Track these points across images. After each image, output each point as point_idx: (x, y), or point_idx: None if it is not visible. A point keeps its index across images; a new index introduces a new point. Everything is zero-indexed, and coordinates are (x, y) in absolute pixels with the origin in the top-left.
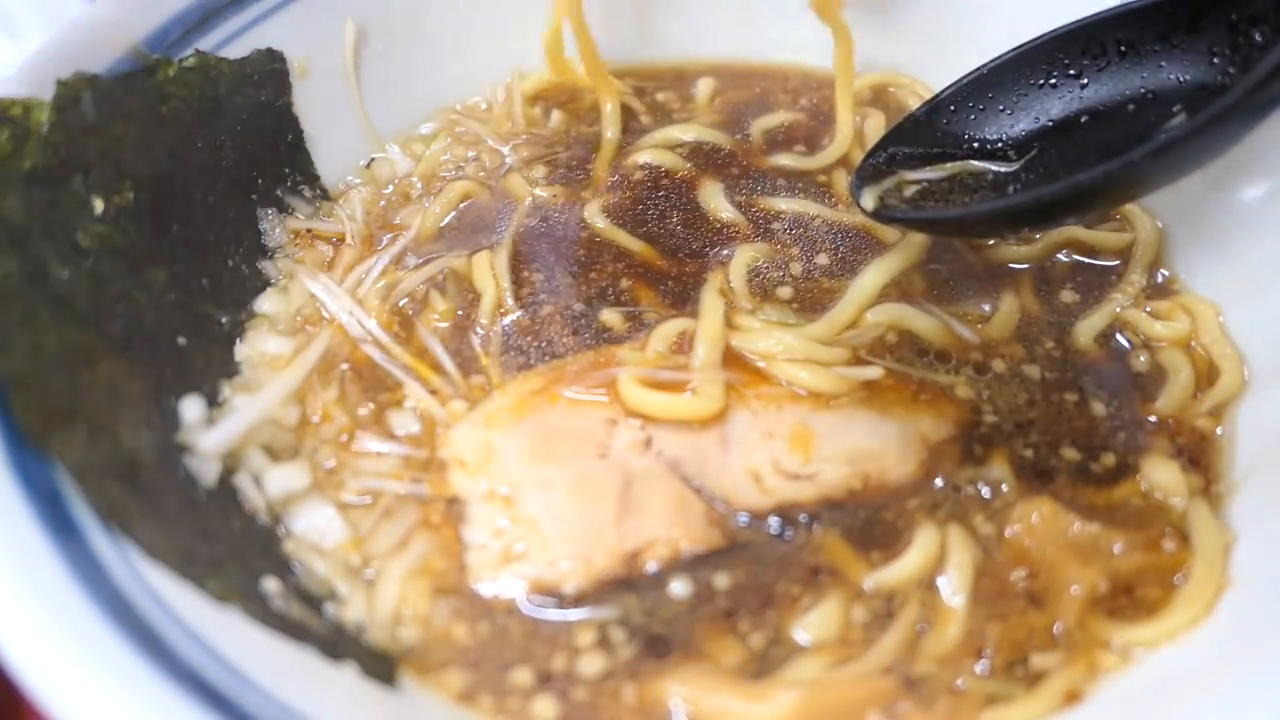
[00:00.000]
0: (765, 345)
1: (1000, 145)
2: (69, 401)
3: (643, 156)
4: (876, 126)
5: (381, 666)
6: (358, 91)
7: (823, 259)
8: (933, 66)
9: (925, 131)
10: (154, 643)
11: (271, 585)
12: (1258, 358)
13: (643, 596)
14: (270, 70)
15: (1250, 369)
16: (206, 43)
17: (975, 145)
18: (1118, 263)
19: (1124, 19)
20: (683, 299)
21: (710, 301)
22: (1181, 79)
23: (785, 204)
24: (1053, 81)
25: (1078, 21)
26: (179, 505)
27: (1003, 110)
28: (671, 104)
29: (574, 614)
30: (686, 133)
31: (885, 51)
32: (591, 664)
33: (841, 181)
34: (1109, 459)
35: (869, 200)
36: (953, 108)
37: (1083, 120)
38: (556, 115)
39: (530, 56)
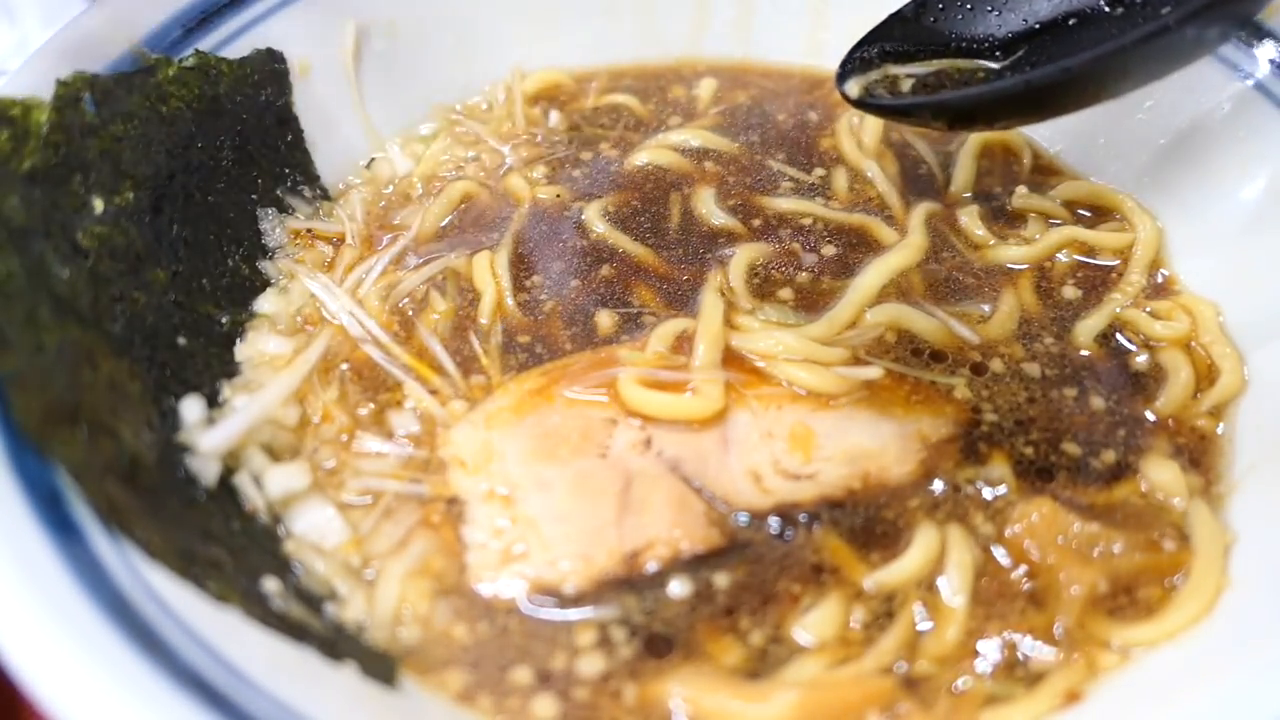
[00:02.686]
0: (765, 345)
1: (987, 45)
2: (69, 401)
3: (643, 157)
4: (874, 125)
5: (381, 666)
6: (358, 91)
7: (822, 259)
8: None
9: (913, 29)
10: (154, 643)
11: (271, 585)
12: (1257, 357)
13: (643, 596)
14: (270, 70)
15: (1250, 368)
16: (206, 43)
17: (962, 44)
18: (1118, 263)
19: None
20: (682, 299)
21: (710, 301)
22: None
23: (784, 204)
24: None
25: None
26: (179, 505)
27: (990, 10)
28: (672, 104)
29: (574, 614)
30: (688, 136)
31: None
32: (591, 664)
33: (841, 181)
34: (1109, 458)
35: (854, 89)
36: (940, 5)
37: (1070, 23)
38: (556, 115)
39: (530, 56)
